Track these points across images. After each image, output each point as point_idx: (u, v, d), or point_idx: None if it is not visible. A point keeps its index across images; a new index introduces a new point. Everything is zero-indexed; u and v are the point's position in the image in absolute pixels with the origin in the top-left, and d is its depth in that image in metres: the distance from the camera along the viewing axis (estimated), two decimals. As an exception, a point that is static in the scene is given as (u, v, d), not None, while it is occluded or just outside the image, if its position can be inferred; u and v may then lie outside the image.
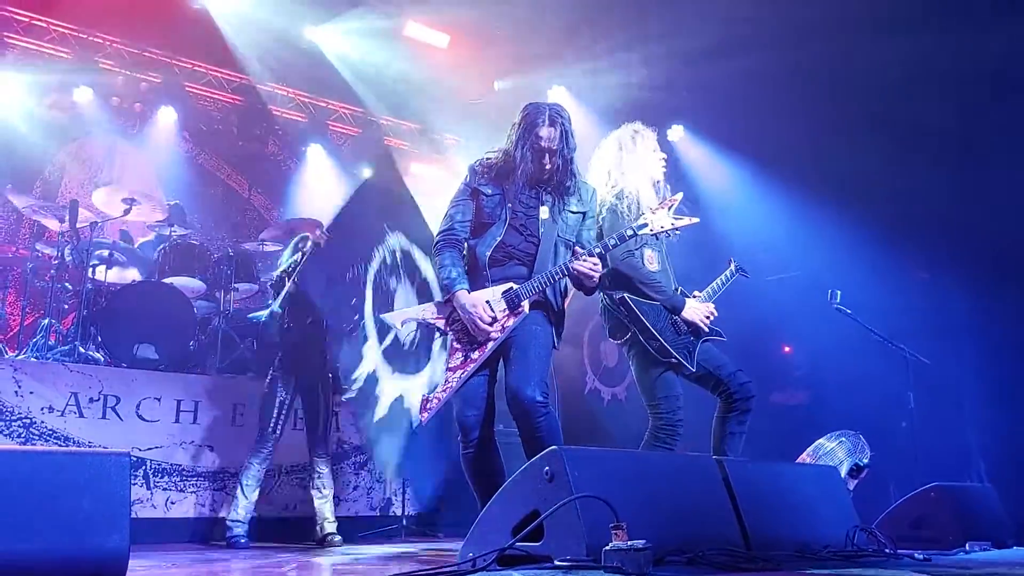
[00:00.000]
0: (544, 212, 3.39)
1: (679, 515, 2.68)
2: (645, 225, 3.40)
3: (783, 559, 2.72)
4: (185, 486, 4.97)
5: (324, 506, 4.82)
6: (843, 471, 4.37)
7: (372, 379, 4.32)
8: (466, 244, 3.46)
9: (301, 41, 8.01)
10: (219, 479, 5.08)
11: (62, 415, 4.68)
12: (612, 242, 3.40)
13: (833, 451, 4.55)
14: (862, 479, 4.49)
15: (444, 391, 3.26)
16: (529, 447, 3.14)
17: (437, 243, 3.45)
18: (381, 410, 4.28)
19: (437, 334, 3.43)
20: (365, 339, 4.34)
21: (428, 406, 3.29)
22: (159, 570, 3.25)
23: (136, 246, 6.63)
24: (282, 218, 8.43)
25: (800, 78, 6.42)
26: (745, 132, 7.25)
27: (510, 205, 3.38)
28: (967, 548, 3.72)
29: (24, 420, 4.57)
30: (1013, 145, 5.68)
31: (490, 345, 3.23)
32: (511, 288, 3.27)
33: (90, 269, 5.64)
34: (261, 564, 3.63)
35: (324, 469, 4.88)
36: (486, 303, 3.26)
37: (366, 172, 8.17)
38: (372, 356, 4.31)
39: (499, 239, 3.35)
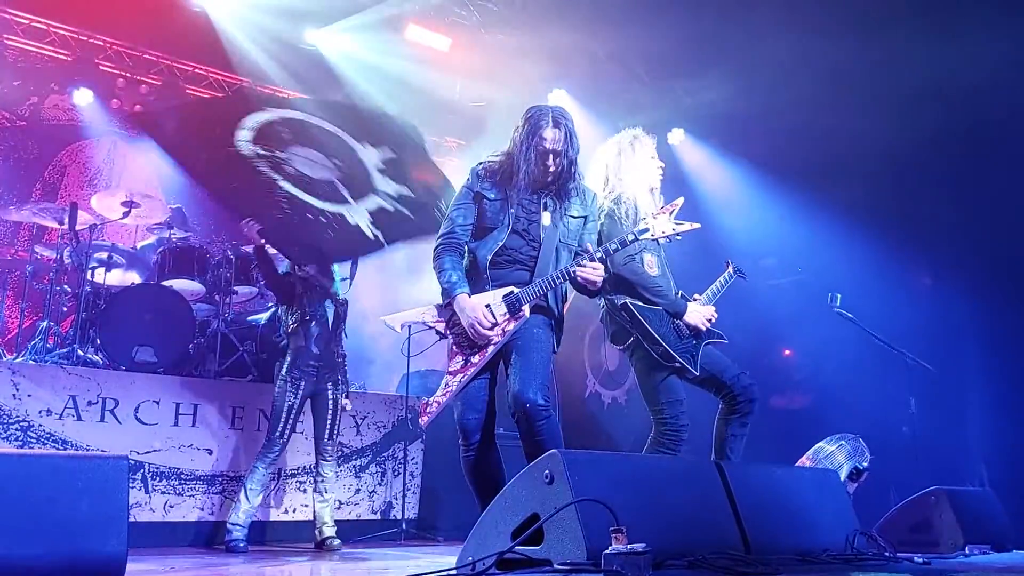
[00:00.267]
0: (546, 217, 3.38)
1: (679, 519, 2.67)
2: (647, 230, 3.38)
3: (783, 563, 2.71)
4: (184, 489, 4.95)
5: (324, 510, 4.82)
6: (843, 475, 4.36)
7: None
8: (466, 247, 3.45)
9: (302, 44, 8.02)
10: (218, 482, 5.07)
11: (60, 418, 4.67)
12: (614, 247, 3.38)
13: (833, 455, 4.55)
14: (862, 483, 4.49)
15: (444, 395, 3.25)
16: (530, 451, 3.12)
17: (437, 246, 3.43)
18: None
19: (437, 337, 3.42)
20: None
21: (428, 410, 3.28)
22: (157, 574, 3.25)
23: (136, 248, 6.63)
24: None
25: (801, 78, 6.42)
26: (744, 135, 7.26)
27: (512, 209, 3.37)
28: (967, 552, 3.72)
29: (22, 423, 4.56)
30: (1017, 149, 5.68)
31: (490, 349, 3.22)
32: (512, 292, 3.26)
33: (89, 271, 5.63)
34: (260, 568, 3.62)
35: (329, 473, 4.87)
36: (487, 307, 3.24)
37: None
38: None
39: (501, 243, 3.34)
